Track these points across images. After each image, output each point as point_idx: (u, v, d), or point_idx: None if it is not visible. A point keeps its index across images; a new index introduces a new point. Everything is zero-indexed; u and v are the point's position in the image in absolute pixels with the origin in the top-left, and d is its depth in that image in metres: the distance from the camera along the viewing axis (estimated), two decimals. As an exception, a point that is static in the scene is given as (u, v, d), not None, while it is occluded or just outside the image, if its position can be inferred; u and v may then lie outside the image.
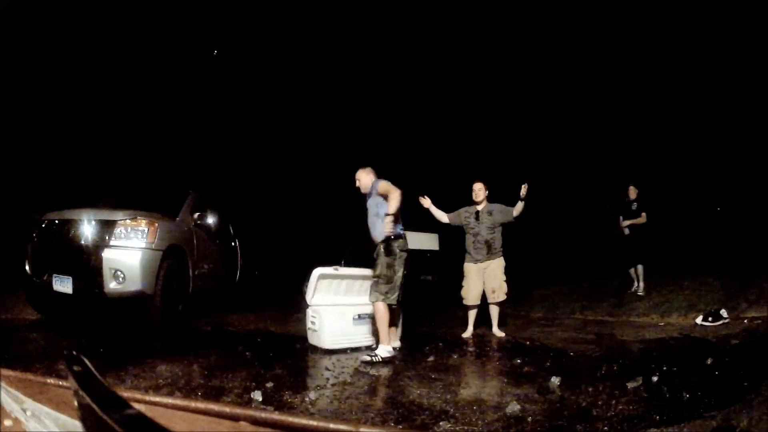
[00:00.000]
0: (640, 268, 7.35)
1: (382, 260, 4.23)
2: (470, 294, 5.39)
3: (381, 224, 4.19)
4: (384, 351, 4.11)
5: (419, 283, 9.46)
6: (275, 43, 11.29)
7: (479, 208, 5.40)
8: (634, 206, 7.38)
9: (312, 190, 11.80)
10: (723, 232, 8.97)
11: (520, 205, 5.20)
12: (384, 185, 4.28)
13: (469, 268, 5.42)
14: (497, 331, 5.39)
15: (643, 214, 7.30)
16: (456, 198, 5.75)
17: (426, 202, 5.40)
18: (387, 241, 4.20)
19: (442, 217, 5.51)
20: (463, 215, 5.47)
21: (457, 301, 5.74)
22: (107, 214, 5.10)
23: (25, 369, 0.89)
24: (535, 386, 3.04)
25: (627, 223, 7.36)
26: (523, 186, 5.11)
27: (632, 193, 7.46)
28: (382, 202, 4.31)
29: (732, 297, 6.05)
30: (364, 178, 4.54)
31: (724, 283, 6.69)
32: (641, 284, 7.33)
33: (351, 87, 11.52)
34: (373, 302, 4.25)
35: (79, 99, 9.54)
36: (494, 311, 5.44)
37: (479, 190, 5.39)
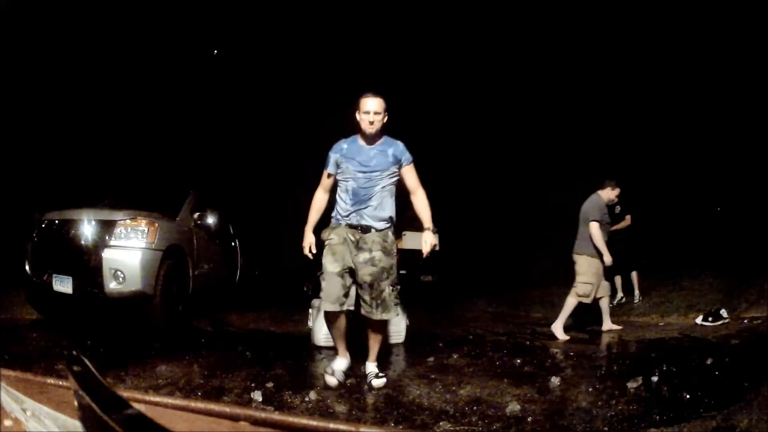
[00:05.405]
0: (634, 274, 6.91)
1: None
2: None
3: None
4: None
5: (419, 283, 9.47)
6: (275, 42, 11.30)
7: None
8: (617, 209, 6.63)
9: (312, 190, 11.79)
10: (723, 231, 8.94)
11: None
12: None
13: (591, 263, 5.18)
14: (612, 326, 5.34)
15: (627, 217, 6.72)
16: (454, 196, 5.72)
17: None
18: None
19: None
20: None
21: (457, 301, 5.73)
22: (107, 214, 5.10)
23: (25, 369, 0.89)
24: (535, 386, 3.04)
25: (613, 229, 6.41)
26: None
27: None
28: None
29: (732, 297, 6.04)
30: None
31: (724, 283, 6.67)
32: (636, 291, 6.97)
33: (351, 87, 11.50)
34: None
35: (79, 99, 9.54)
36: (604, 305, 5.34)
37: None
